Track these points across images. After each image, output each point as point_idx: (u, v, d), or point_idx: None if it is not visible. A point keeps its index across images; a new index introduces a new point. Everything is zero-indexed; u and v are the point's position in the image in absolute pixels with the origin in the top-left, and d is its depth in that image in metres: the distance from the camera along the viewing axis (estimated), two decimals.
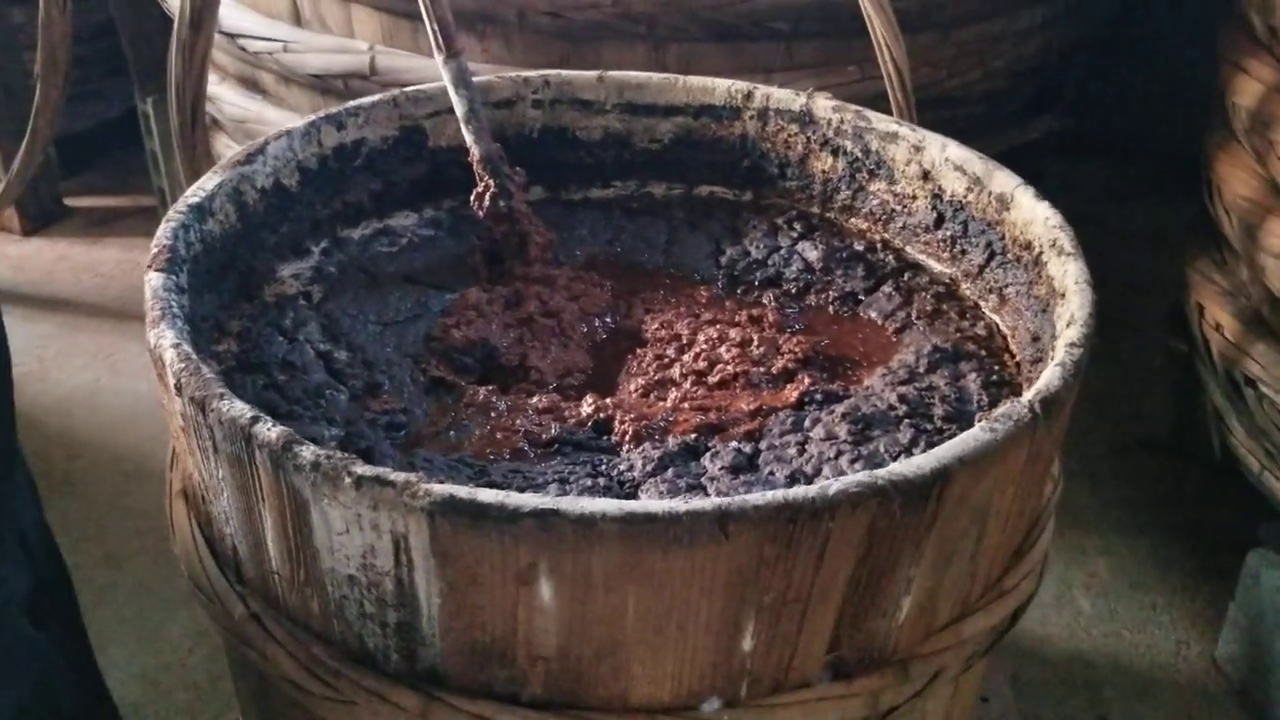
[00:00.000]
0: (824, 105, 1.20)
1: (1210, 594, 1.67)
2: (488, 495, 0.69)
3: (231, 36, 1.72)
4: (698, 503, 0.69)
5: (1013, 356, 1.03)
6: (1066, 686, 1.55)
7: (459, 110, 1.15)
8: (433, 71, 1.54)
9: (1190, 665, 1.58)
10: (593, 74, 1.24)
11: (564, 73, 1.25)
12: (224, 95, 1.84)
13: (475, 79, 1.18)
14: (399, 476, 0.70)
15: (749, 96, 1.23)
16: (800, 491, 0.70)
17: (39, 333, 2.16)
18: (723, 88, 1.23)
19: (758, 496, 0.70)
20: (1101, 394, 2.04)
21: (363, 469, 0.71)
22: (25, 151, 2.17)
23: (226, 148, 1.88)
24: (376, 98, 1.18)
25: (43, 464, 1.81)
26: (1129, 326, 2.21)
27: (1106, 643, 1.61)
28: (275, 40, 1.68)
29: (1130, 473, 1.90)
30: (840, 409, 0.93)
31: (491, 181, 1.14)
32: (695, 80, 1.24)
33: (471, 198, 1.15)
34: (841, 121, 1.19)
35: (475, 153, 1.15)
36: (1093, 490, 1.86)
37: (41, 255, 2.43)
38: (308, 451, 0.72)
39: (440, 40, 1.14)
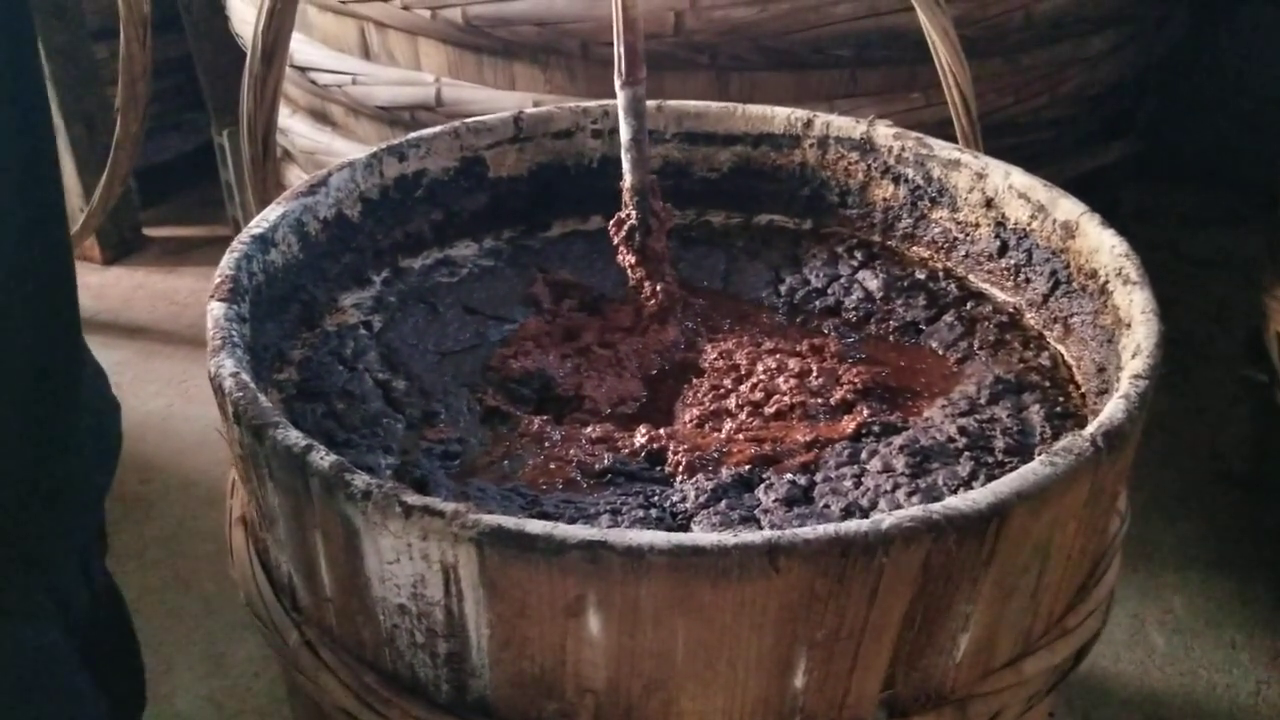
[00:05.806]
0: (884, 133, 1.19)
1: None
2: (535, 526, 0.69)
3: (302, 70, 1.75)
4: (747, 536, 0.68)
5: (1078, 388, 1.00)
6: None
7: (623, 136, 1.13)
8: (497, 103, 1.57)
9: (1271, 706, 1.52)
10: (651, 103, 1.24)
11: None
12: (295, 127, 1.87)
13: (534, 110, 1.18)
14: (448, 506, 0.70)
15: (808, 125, 1.22)
16: (852, 526, 0.69)
17: (116, 359, 2.20)
18: (782, 116, 1.23)
19: (808, 530, 0.68)
20: (1178, 425, 1.99)
21: (412, 498, 0.71)
22: (106, 183, 2.23)
23: (298, 179, 1.91)
24: (437, 129, 1.19)
25: (116, 486, 1.81)
26: (1206, 356, 2.15)
27: (1182, 681, 1.56)
28: (344, 73, 1.72)
29: (1207, 506, 1.84)
30: (898, 441, 0.92)
31: (634, 213, 1.13)
32: (754, 109, 1.24)
33: (610, 223, 1.15)
34: (902, 149, 1.18)
35: (627, 180, 1.14)
36: (1168, 524, 1.80)
37: (120, 284, 2.48)
38: (359, 480, 0.73)
39: (623, 65, 1.12)
